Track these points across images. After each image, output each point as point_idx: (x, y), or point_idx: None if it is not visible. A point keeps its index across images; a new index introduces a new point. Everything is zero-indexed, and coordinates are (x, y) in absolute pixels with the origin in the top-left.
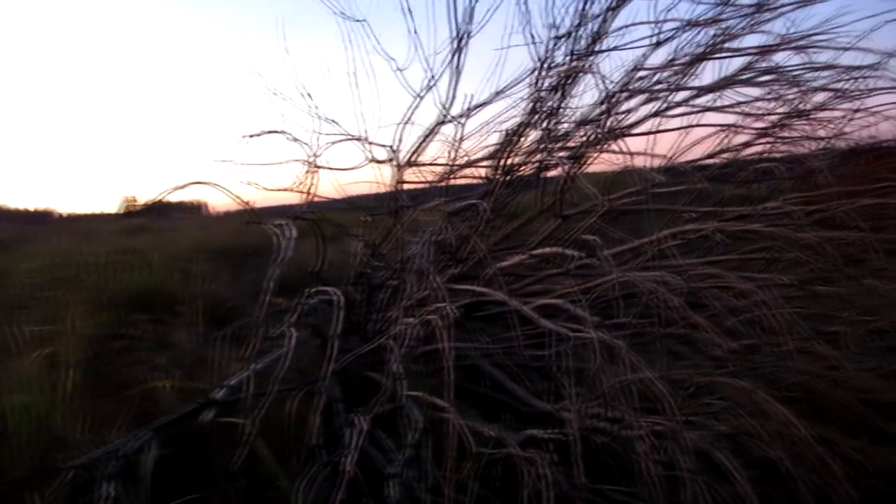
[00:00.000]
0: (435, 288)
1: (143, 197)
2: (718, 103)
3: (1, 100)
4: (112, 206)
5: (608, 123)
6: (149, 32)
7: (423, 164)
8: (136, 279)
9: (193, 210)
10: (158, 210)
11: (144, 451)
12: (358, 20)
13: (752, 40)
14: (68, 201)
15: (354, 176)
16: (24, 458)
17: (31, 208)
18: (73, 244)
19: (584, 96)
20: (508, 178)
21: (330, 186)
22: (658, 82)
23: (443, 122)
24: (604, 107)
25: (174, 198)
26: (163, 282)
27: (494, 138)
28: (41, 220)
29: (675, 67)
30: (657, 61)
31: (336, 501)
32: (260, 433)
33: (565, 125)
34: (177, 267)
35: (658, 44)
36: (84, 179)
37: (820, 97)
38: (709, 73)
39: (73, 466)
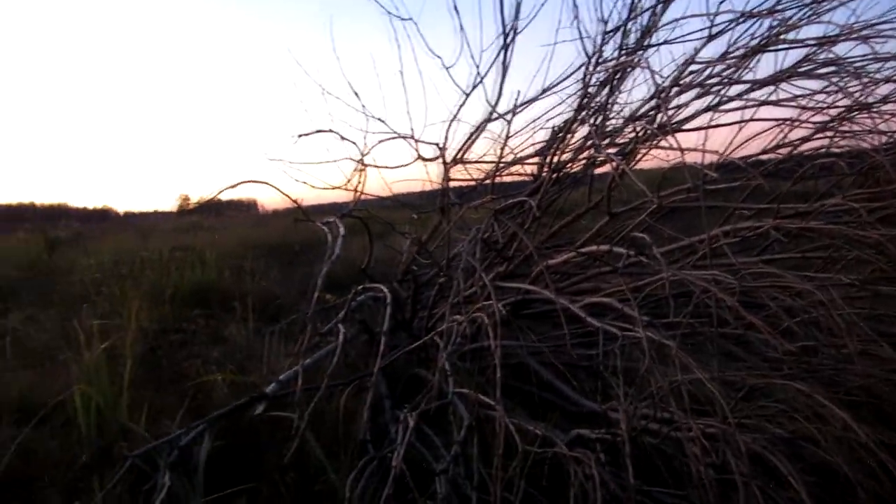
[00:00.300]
0: (482, 286)
1: (198, 195)
2: (775, 97)
3: (64, 103)
4: (168, 204)
5: (659, 119)
6: (206, 34)
7: (471, 162)
8: (192, 275)
9: (245, 208)
10: (212, 208)
11: (199, 442)
12: (405, 19)
13: (811, 31)
14: (127, 200)
15: (402, 174)
16: (89, 445)
17: (93, 206)
18: (132, 241)
19: (634, 91)
20: (556, 175)
21: (378, 184)
22: (711, 76)
23: (490, 120)
24: (654, 102)
25: (227, 196)
26: (216, 278)
27: (542, 135)
28: (102, 218)
29: (729, 61)
30: (710, 55)
31: (384, 496)
32: (309, 427)
33: (615, 121)
34: (229, 264)
35: (711, 37)
36: (142, 178)
37: (884, 89)
38: (765, 65)
39: (134, 455)
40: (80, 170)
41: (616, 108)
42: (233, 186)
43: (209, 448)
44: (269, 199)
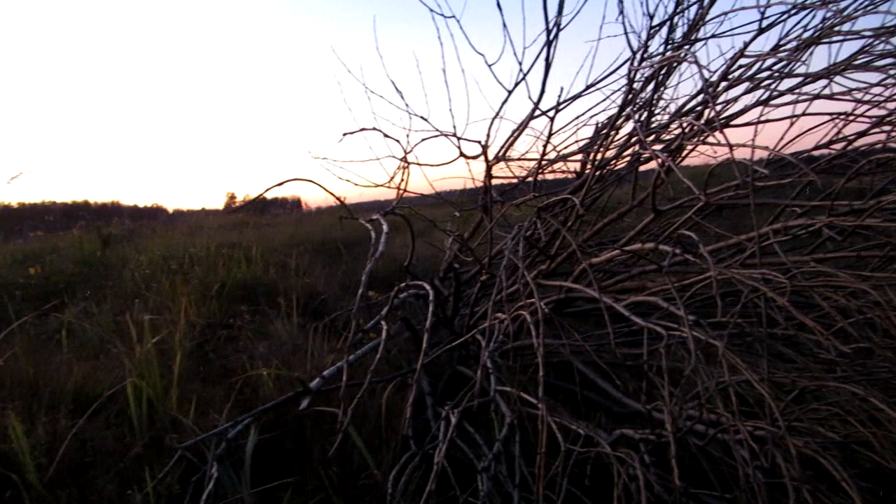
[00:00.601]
0: (525, 283)
1: (244, 194)
2: (829, 91)
3: (118, 107)
4: (216, 202)
5: (707, 114)
6: (254, 36)
7: (513, 159)
8: (238, 272)
9: (290, 206)
10: (257, 206)
11: (246, 435)
12: (448, 17)
13: (868, 22)
14: (176, 198)
15: (445, 171)
16: (141, 436)
17: (144, 204)
18: (181, 238)
19: (681, 87)
20: (600, 172)
21: (421, 182)
22: (762, 70)
23: (533, 117)
24: (702, 97)
25: (272, 194)
26: (262, 274)
27: (586, 132)
28: (153, 216)
29: (780, 54)
30: (761, 48)
31: (426, 492)
32: (353, 422)
33: (660, 117)
34: (274, 260)
35: (762, 29)
36: (191, 177)
37: None
38: (818, 58)
39: (183, 447)
40: (133, 169)
41: (662, 103)
42: (280, 184)
43: (256, 441)
44: (313, 197)
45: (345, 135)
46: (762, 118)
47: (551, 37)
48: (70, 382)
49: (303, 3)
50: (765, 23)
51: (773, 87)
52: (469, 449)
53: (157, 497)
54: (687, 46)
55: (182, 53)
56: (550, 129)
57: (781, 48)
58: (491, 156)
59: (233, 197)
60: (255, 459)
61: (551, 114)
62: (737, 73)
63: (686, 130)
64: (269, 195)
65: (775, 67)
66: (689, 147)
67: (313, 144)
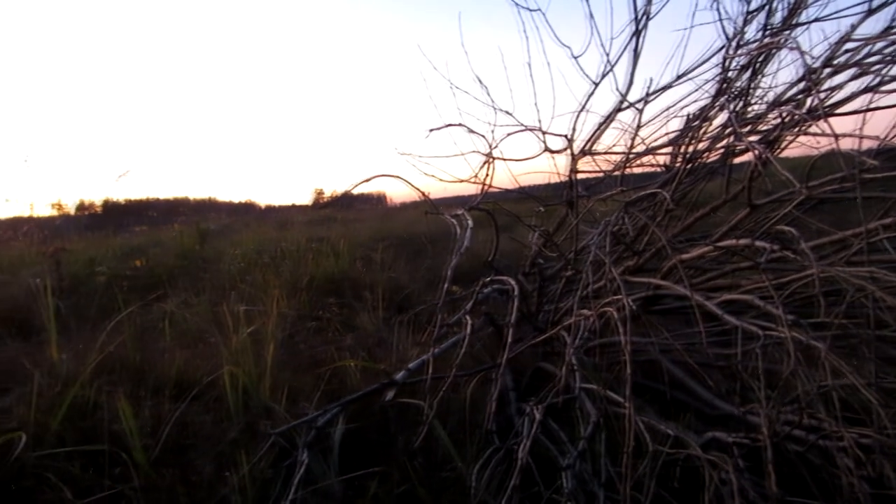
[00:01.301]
0: (611, 279)
1: (331, 189)
2: None
3: (214, 107)
4: (304, 197)
5: (809, 103)
6: (340, 34)
7: (599, 153)
8: (326, 266)
9: (375, 201)
10: (344, 201)
11: (334, 424)
12: (533, 10)
13: None
14: (268, 194)
15: (529, 166)
16: (236, 421)
17: (238, 200)
18: (272, 233)
19: (780, 74)
20: (691, 165)
21: (505, 177)
22: (870, 55)
23: (620, 109)
24: (803, 84)
25: (357, 190)
26: (348, 268)
27: (676, 124)
28: (246, 211)
29: (891, 37)
30: (869, 31)
31: (509, 487)
32: (437, 415)
33: (757, 107)
34: (360, 255)
35: (871, 11)
36: (281, 174)
37: None
38: None
39: (276, 433)
40: (228, 167)
41: (758, 92)
42: (366, 181)
43: (343, 430)
44: (398, 192)
45: (431, 131)
46: (870, 106)
47: (640, 26)
48: (172, 368)
49: (390, 1)
50: (874, 3)
51: (883, 72)
52: (553, 446)
53: (252, 480)
54: (787, 31)
55: (273, 54)
56: (638, 122)
57: (893, 31)
58: (576, 150)
59: (320, 193)
60: (342, 448)
61: (639, 105)
62: (842, 59)
63: (785, 120)
64: (355, 191)
65: (886, 51)
66: (789, 138)
67: (399, 141)
